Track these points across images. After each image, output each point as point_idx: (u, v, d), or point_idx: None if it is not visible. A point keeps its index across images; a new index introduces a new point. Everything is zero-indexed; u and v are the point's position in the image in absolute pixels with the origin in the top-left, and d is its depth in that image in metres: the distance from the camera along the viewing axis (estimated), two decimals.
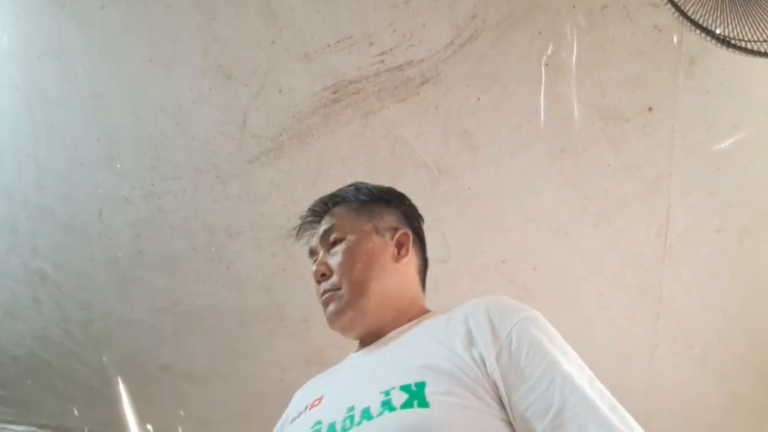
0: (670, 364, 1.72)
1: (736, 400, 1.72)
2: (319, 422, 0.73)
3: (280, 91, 1.70)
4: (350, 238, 0.90)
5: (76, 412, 1.98)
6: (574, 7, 1.57)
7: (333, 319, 0.86)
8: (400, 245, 0.93)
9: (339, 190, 1.00)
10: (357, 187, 0.99)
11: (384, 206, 0.96)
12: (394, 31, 1.63)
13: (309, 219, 0.99)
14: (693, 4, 1.36)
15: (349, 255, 0.88)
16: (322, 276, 0.89)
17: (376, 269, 0.88)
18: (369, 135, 1.69)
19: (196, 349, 1.88)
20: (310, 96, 1.68)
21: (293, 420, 0.83)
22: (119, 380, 1.94)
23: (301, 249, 1.76)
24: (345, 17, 1.64)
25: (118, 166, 1.79)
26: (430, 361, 0.71)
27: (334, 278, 0.87)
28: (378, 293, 0.87)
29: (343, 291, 0.86)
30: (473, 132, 1.66)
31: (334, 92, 1.68)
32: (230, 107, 1.72)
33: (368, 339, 0.88)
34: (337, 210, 0.95)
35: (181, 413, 1.93)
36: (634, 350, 1.73)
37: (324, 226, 0.94)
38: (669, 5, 1.36)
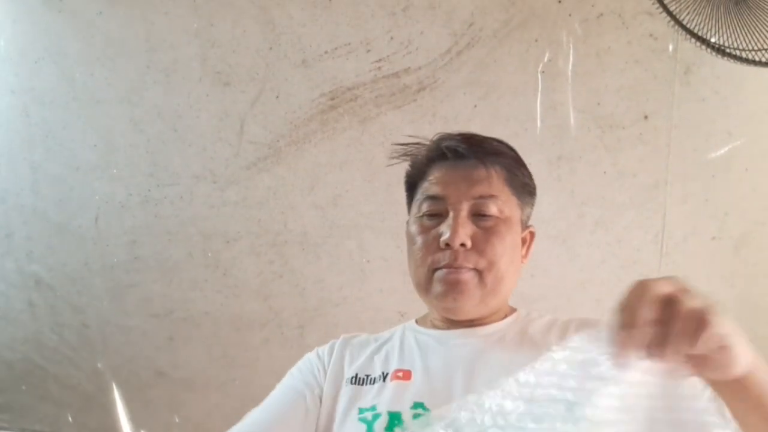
0: None
1: None
2: (419, 405, 0.69)
3: (277, 97, 1.70)
4: (508, 221, 0.80)
5: (70, 419, 1.97)
6: (570, 15, 1.58)
7: (458, 299, 0.76)
8: (523, 242, 0.85)
9: (497, 143, 0.85)
10: (519, 161, 0.87)
11: (529, 196, 0.87)
12: (392, 38, 1.64)
13: (447, 152, 0.82)
14: (688, 13, 1.36)
15: (503, 245, 0.78)
16: (462, 245, 0.76)
17: (514, 266, 0.81)
18: (366, 141, 1.69)
19: (192, 355, 1.87)
20: (308, 102, 1.69)
21: (361, 382, 0.76)
22: (114, 386, 1.93)
23: (297, 255, 1.77)
24: (343, 24, 1.64)
25: (115, 171, 1.79)
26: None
27: (477, 258, 0.76)
28: (508, 291, 0.82)
29: (485, 280, 0.77)
30: None
31: (332, 99, 1.68)
32: (228, 114, 1.72)
33: (460, 323, 0.81)
34: (495, 172, 0.81)
35: (177, 420, 1.92)
36: None
37: (482, 186, 0.79)
38: (664, 14, 1.37)
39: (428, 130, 1.69)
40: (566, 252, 1.68)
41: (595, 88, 1.61)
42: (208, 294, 1.82)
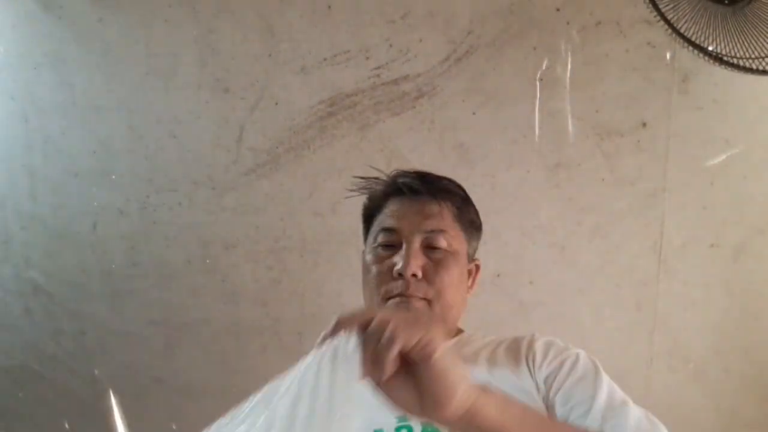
0: (666, 380, 1.72)
1: (733, 415, 1.71)
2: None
3: (276, 104, 1.70)
4: (455, 255, 0.86)
5: (67, 426, 1.96)
6: (568, 23, 1.59)
7: None
8: (469, 273, 0.92)
9: (448, 182, 0.93)
10: (467, 199, 0.94)
11: (476, 232, 0.95)
12: (391, 45, 1.64)
13: (403, 187, 0.89)
14: (686, 22, 1.37)
15: (451, 276, 0.84)
16: (413, 276, 0.82)
17: (461, 296, 0.89)
18: (365, 148, 1.69)
19: (190, 362, 1.86)
20: (307, 109, 1.69)
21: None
22: (111, 393, 1.92)
23: (295, 261, 1.77)
24: (342, 32, 1.65)
25: (114, 177, 1.79)
26: (500, 386, 0.72)
27: (426, 288, 0.83)
28: (455, 318, 0.89)
29: (434, 309, 0.83)
30: (469, 146, 1.66)
31: (331, 105, 1.68)
32: (227, 120, 1.72)
33: None
34: (446, 208, 0.88)
35: (174, 427, 1.91)
36: (630, 365, 1.72)
37: (434, 220, 0.86)
38: (662, 22, 1.38)
39: (427, 137, 1.71)
40: (564, 259, 1.68)
41: (594, 96, 1.61)
42: (207, 300, 1.82)
